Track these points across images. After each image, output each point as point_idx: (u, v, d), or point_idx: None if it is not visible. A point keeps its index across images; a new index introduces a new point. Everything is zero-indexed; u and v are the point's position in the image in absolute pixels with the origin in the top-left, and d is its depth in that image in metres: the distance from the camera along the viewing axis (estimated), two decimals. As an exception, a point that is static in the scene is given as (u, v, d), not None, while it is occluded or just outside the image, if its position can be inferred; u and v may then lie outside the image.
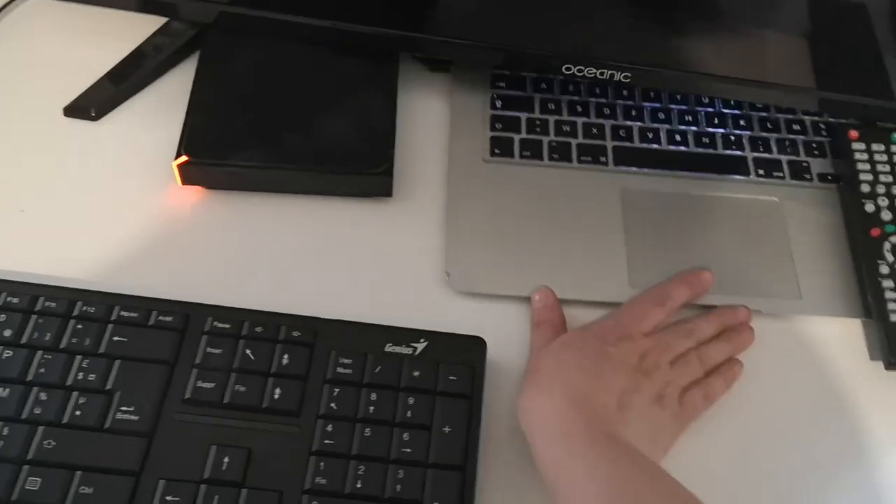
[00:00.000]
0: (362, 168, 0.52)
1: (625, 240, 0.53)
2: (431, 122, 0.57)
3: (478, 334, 0.46)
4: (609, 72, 0.54)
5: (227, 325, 0.45)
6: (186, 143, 0.51)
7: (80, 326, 0.44)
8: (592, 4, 0.54)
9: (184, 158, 0.50)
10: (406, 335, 0.46)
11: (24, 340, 0.43)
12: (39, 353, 0.43)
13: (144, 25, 0.58)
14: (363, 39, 0.54)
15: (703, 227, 0.54)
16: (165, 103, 0.56)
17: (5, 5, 0.60)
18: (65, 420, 0.41)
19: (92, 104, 0.55)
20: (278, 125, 0.52)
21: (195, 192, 0.52)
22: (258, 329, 0.45)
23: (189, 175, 0.51)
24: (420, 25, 0.54)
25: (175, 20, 0.58)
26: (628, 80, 0.54)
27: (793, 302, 0.52)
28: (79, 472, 0.40)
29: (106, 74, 0.56)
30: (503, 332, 0.48)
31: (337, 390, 0.44)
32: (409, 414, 0.43)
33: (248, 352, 0.44)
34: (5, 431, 0.41)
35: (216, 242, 0.51)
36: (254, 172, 0.52)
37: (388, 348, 0.45)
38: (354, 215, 0.53)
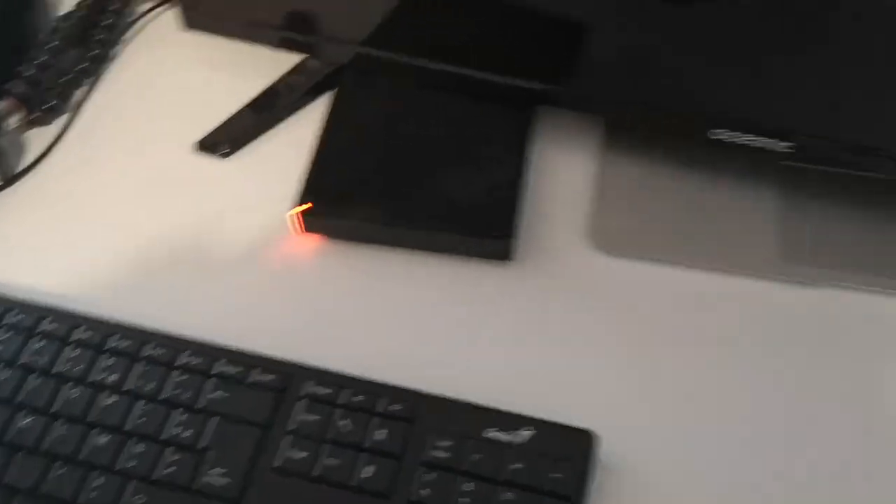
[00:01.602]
0: (480, 230, 0.49)
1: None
2: (575, 177, 0.54)
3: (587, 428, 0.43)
4: (769, 140, 0.48)
5: (327, 391, 0.43)
6: (310, 192, 0.50)
7: (182, 378, 0.44)
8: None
9: (306, 206, 0.49)
10: (510, 420, 0.43)
11: (126, 387, 0.43)
12: (141, 402, 0.43)
13: (279, 62, 0.57)
14: (501, 89, 0.51)
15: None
16: (294, 143, 0.55)
17: (132, 26, 0.61)
18: (156, 476, 0.41)
19: (224, 141, 0.55)
20: (403, 179, 0.51)
21: (312, 240, 0.51)
22: (358, 398, 0.43)
23: (309, 223, 0.50)
24: (569, 77, 0.51)
25: (312, 58, 0.57)
26: (792, 151, 0.48)
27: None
28: (163, 535, 0.39)
29: (240, 110, 0.56)
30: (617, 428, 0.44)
31: (432, 476, 0.41)
32: (506, 512, 0.40)
33: (344, 422, 0.42)
34: (101, 481, 0.40)
35: (326, 296, 0.49)
36: (374, 227, 0.50)
37: (490, 433, 0.42)
38: (472, 277, 0.50)
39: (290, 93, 0.57)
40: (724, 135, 0.48)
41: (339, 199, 0.50)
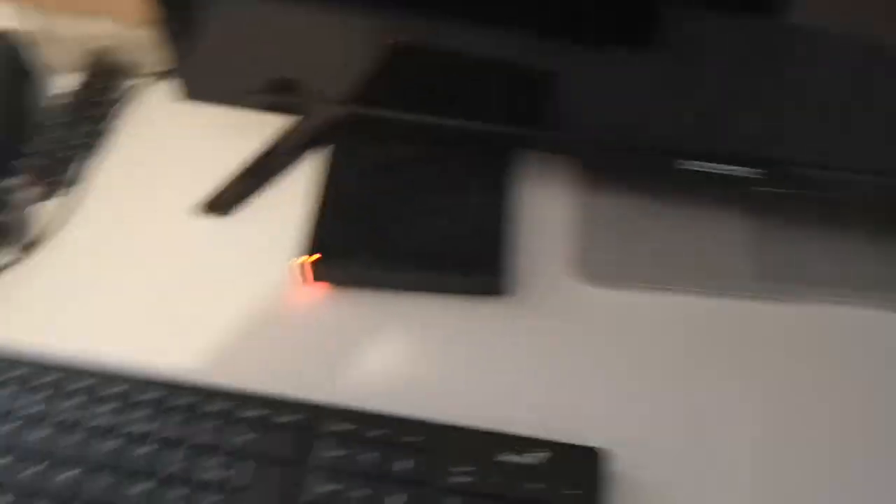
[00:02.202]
0: (471, 269, 0.53)
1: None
2: (557, 212, 0.58)
3: (594, 447, 0.46)
4: (739, 168, 0.51)
5: (347, 428, 0.46)
6: (317, 243, 0.53)
7: (211, 424, 0.46)
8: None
9: (315, 257, 0.53)
10: (523, 443, 0.46)
11: (156, 433, 0.45)
12: (175, 449, 0.45)
13: (270, 123, 0.61)
14: (481, 137, 0.55)
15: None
16: (291, 197, 0.58)
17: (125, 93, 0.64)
18: (193, 519, 0.43)
19: (224, 201, 0.58)
20: (397, 225, 0.54)
21: (319, 288, 0.54)
22: (378, 432, 0.46)
23: (318, 272, 0.53)
24: (541, 122, 0.54)
25: (303, 118, 0.61)
26: (760, 178, 0.52)
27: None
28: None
29: (237, 171, 0.59)
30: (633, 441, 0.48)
31: (457, 500, 0.44)
32: (526, 529, 0.43)
33: (366, 455, 0.45)
34: (142, 527, 0.42)
35: (338, 339, 0.52)
36: (376, 273, 0.53)
37: (505, 457, 0.45)
38: (470, 313, 0.53)
39: (283, 151, 0.61)
40: (693, 165, 0.53)
41: (343, 249, 0.53)
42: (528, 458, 0.45)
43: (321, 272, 0.53)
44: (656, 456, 0.48)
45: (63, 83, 0.65)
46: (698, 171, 0.52)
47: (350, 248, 0.53)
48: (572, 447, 0.46)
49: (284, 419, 0.46)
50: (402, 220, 0.55)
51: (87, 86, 0.65)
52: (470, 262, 0.53)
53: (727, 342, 0.52)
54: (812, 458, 0.47)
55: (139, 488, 0.44)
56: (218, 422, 0.46)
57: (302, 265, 0.53)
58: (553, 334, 0.53)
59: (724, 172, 0.52)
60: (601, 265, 0.55)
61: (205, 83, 0.58)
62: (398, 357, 0.52)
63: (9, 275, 0.55)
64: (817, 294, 0.53)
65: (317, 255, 0.53)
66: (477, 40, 0.51)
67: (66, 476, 0.44)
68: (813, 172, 0.51)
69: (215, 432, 0.46)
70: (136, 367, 0.50)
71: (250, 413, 0.46)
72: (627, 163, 0.55)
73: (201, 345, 0.52)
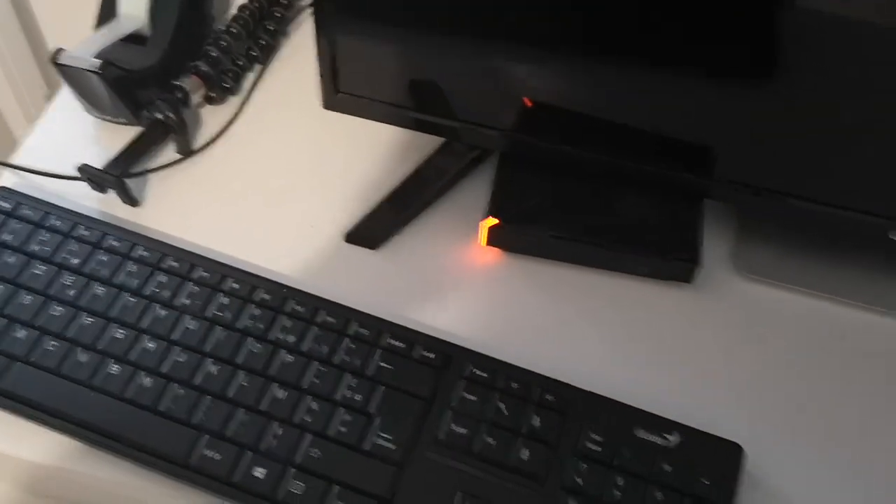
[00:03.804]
0: (666, 252, 0.51)
1: None
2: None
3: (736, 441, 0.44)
4: None
5: (485, 374, 0.46)
6: (498, 207, 0.52)
7: (352, 346, 0.46)
8: None
9: (494, 222, 0.52)
10: (659, 424, 0.45)
11: (302, 348, 0.46)
12: (315, 363, 0.46)
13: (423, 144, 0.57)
14: (646, 176, 0.51)
15: None
16: (449, 226, 0.54)
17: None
18: (329, 433, 0.43)
19: (371, 232, 0.54)
20: (584, 199, 0.53)
21: (493, 252, 0.54)
22: (514, 385, 0.45)
23: (495, 237, 0.53)
24: (710, 168, 0.50)
25: (457, 142, 0.56)
26: None
27: None
28: (336, 487, 0.42)
29: (385, 199, 0.55)
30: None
31: (584, 466, 0.43)
32: (655, 509, 0.42)
33: (501, 405, 0.45)
34: (280, 431, 0.43)
35: (501, 297, 0.52)
36: (556, 243, 0.52)
37: (639, 433, 0.44)
38: (646, 296, 0.52)
39: (438, 176, 0.55)
40: None
41: (525, 215, 0.52)
42: (664, 440, 0.44)
43: (499, 237, 0.53)
44: (793, 462, 0.46)
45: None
46: None
47: (531, 215, 0.52)
48: (711, 437, 0.44)
49: (422, 354, 0.46)
50: (586, 195, 0.53)
51: (267, 1, 0.65)
52: (669, 246, 0.51)
53: (876, 357, 0.49)
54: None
55: (280, 394, 0.44)
56: (358, 345, 0.46)
57: (482, 228, 0.52)
58: (706, 324, 0.51)
59: None
60: (755, 261, 0.53)
61: (351, 95, 0.53)
62: (557, 323, 0.51)
63: (167, 172, 0.57)
64: None
65: (495, 220, 0.52)
66: (642, 80, 0.47)
67: (213, 370, 0.45)
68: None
69: (355, 355, 0.46)
70: (281, 280, 0.50)
71: (389, 342, 0.47)
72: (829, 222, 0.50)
73: (351, 268, 0.53)
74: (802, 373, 0.49)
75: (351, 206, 0.55)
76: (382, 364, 0.46)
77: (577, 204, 0.53)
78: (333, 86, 0.54)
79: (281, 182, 0.57)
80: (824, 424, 0.47)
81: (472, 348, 0.47)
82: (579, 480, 0.43)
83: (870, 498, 0.45)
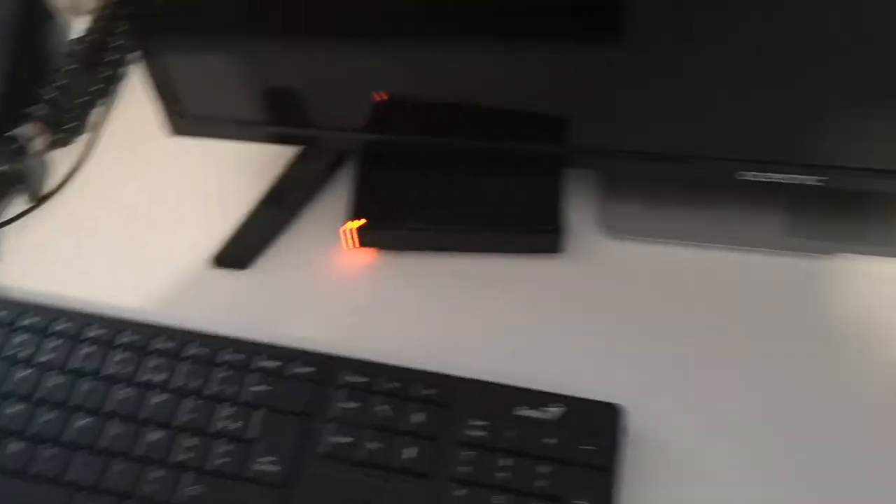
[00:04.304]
0: (530, 226, 0.52)
1: None
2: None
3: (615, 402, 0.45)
4: (798, 177, 0.49)
5: (364, 380, 0.46)
6: (361, 208, 0.52)
7: (225, 374, 0.46)
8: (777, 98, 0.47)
9: (360, 222, 0.51)
10: (539, 398, 0.45)
11: (173, 386, 0.45)
12: (189, 398, 0.45)
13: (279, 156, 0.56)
14: (510, 153, 0.51)
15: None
16: (318, 235, 0.54)
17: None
18: (209, 467, 0.43)
19: (239, 253, 0.53)
20: (445, 186, 0.53)
21: (365, 254, 0.53)
22: (393, 385, 0.45)
23: (364, 237, 0.52)
24: (570, 138, 0.50)
25: (315, 149, 0.56)
26: (823, 185, 0.49)
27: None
28: (222, 520, 0.41)
29: (248, 217, 0.54)
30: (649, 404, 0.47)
31: (469, 454, 0.43)
32: (542, 483, 0.42)
33: (382, 408, 0.45)
34: (159, 474, 0.42)
35: (376, 299, 0.51)
36: (423, 234, 0.52)
37: (522, 411, 0.45)
38: (519, 272, 0.52)
39: (297, 186, 0.55)
40: (750, 176, 0.49)
41: (390, 212, 0.52)
42: (545, 413, 0.45)
43: (367, 237, 0.52)
44: (675, 414, 0.47)
45: (82, 27, 0.63)
46: (753, 180, 0.49)
47: (396, 211, 0.52)
48: (590, 402, 0.45)
49: (298, 370, 0.46)
50: (450, 181, 0.53)
51: (104, 30, 0.63)
52: (530, 219, 0.52)
53: (751, 296, 0.51)
54: (832, 416, 0.46)
55: (153, 437, 0.44)
56: (232, 372, 0.46)
57: (347, 231, 0.52)
58: (580, 291, 0.51)
59: (784, 181, 0.49)
60: (631, 220, 0.54)
61: (198, 117, 0.52)
62: (432, 315, 0.51)
63: (21, 223, 0.55)
64: (841, 248, 0.52)
65: (362, 221, 0.51)
66: (490, 58, 0.47)
67: (83, 423, 0.44)
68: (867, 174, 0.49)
69: (229, 383, 0.45)
70: (150, 317, 0.49)
71: (264, 364, 0.46)
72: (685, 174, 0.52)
73: (219, 297, 0.52)
74: (678, 323, 0.50)
75: (216, 230, 0.54)
76: (257, 388, 0.45)
77: (440, 192, 0.53)
78: (176, 111, 0.52)
79: (140, 217, 0.56)
80: (704, 372, 0.48)
81: (350, 356, 0.47)
82: (465, 469, 0.43)
83: (754, 441, 0.46)
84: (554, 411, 0.45)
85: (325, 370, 0.46)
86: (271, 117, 0.52)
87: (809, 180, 0.49)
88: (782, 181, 0.50)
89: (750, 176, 0.50)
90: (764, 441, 0.46)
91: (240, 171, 0.57)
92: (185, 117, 0.52)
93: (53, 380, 0.46)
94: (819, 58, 0.44)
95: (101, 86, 0.62)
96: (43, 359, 0.46)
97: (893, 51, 0.43)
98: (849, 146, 0.48)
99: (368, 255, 0.53)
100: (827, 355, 0.48)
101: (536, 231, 0.52)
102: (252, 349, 0.47)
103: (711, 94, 0.47)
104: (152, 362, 0.46)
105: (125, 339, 0.47)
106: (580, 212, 0.55)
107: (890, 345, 0.49)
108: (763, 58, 0.45)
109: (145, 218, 0.55)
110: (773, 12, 0.43)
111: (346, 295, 0.52)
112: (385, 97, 0.50)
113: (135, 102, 0.62)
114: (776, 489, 0.44)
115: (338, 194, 0.55)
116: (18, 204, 0.56)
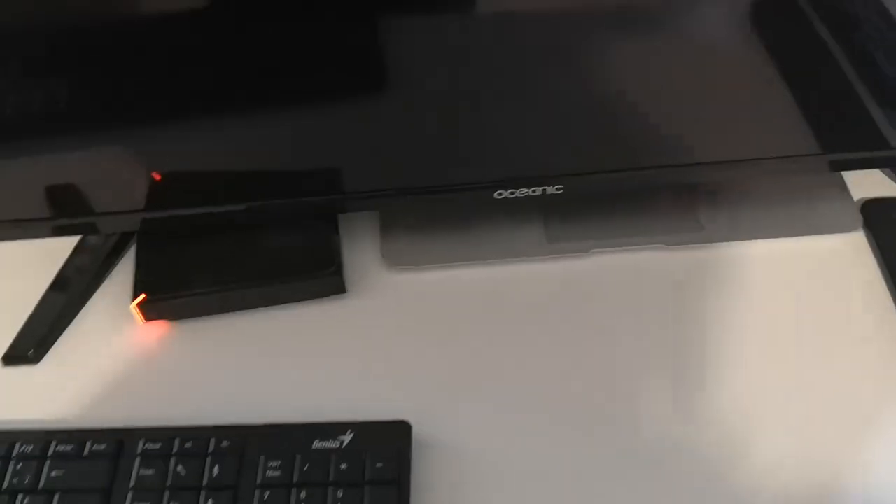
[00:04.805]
0: (311, 272, 0.55)
1: None
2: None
3: (402, 419, 0.48)
4: (541, 188, 0.55)
5: (159, 445, 0.47)
6: (142, 284, 0.54)
7: (18, 467, 0.46)
8: (512, 125, 0.53)
9: (141, 298, 0.53)
10: (332, 429, 0.48)
11: (-36, 488, 0.45)
12: (-20, 498, 0.45)
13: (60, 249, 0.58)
14: (286, 210, 0.55)
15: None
16: (108, 317, 0.55)
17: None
18: (7, 561, 0.43)
19: (28, 347, 0.54)
20: (226, 249, 0.56)
21: (155, 327, 0.55)
22: (188, 444, 0.47)
23: (148, 311, 0.54)
24: (341, 185, 0.54)
25: (93, 235, 0.58)
26: (561, 192, 0.55)
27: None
28: None
29: (35, 312, 0.55)
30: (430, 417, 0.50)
31: (268, 493, 0.45)
32: (337, 507, 0.45)
33: (179, 468, 0.46)
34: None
35: (166, 367, 0.53)
36: (208, 299, 0.54)
37: (316, 445, 0.47)
38: (310, 317, 0.55)
39: (81, 274, 0.57)
40: (507, 194, 0.55)
41: (170, 283, 0.54)
42: (339, 442, 0.47)
43: (151, 309, 0.54)
44: (462, 421, 0.50)
45: None
46: (511, 197, 0.55)
47: (175, 281, 0.54)
48: (379, 424, 0.48)
49: (94, 449, 0.47)
50: (226, 247, 0.56)
51: None
52: (313, 265, 0.55)
53: (519, 302, 0.56)
54: (599, 394, 0.51)
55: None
56: (25, 463, 0.46)
57: (134, 308, 0.54)
58: (367, 323, 0.55)
59: (532, 195, 0.55)
60: (405, 253, 0.58)
61: None
62: (226, 373, 0.53)
63: None
64: (595, 245, 0.58)
65: (142, 295, 0.53)
66: (252, 125, 0.51)
67: None
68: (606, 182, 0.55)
69: (24, 473, 0.46)
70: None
71: (58, 449, 0.47)
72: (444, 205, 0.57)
73: (24, 393, 0.52)
74: (458, 337, 0.54)
75: (3, 332, 0.55)
76: (53, 473, 0.46)
77: (221, 256, 0.56)
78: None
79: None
80: (485, 381, 0.52)
81: (147, 425, 0.48)
82: (263, 509, 0.45)
83: (532, 438, 0.50)
84: (346, 438, 0.47)
85: (121, 444, 0.47)
86: (50, 212, 0.53)
87: (551, 190, 0.55)
88: (531, 194, 0.55)
89: (507, 194, 0.55)
90: (534, 434, 0.50)
91: (22, 269, 0.58)
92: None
93: None
94: (542, 100, 0.51)
95: None
96: None
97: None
98: (577, 157, 0.55)
99: (160, 328, 0.55)
100: (593, 345, 0.54)
101: (318, 274, 0.55)
102: (45, 437, 0.47)
103: (459, 131, 0.52)
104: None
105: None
106: (361, 251, 0.59)
107: (649, 323, 0.54)
108: (497, 101, 0.51)
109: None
110: (496, 71, 0.49)
111: (139, 369, 0.53)
112: (157, 176, 0.52)
113: None
114: (552, 480, 0.48)
115: (127, 276, 0.56)
116: None
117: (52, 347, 0.54)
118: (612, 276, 0.57)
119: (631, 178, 0.56)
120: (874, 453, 0.48)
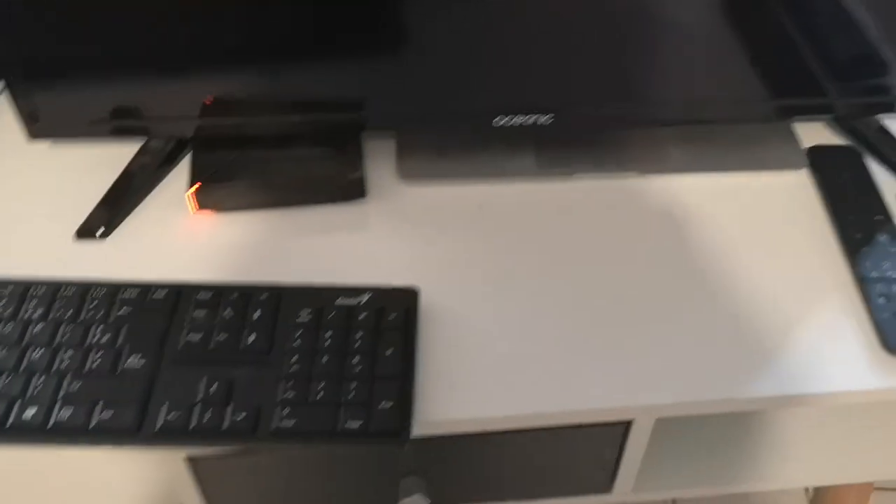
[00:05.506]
0: (341, 173, 0.65)
1: None
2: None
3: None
4: (535, 116, 0.65)
5: (210, 295, 0.57)
6: (197, 176, 0.64)
7: (93, 305, 0.56)
8: (512, 53, 0.63)
9: (196, 186, 0.63)
10: (353, 291, 0.58)
11: (50, 316, 0.55)
12: (63, 324, 0.55)
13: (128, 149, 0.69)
14: (324, 124, 0.66)
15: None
16: (166, 206, 0.65)
17: None
18: (85, 369, 0.53)
19: (98, 225, 0.64)
20: (266, 154, 0.66)
21: (205, 215, 0.65)
22: (234, 295, 0.57)
23: (201, 199, 0.64)
24: (364, 109, 0.64)
25: (151, 139, 0.68)
26: (552, 122, 0.66)
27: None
28: (100, 402, 0.51)
29: (104, 198, 0.65)
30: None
31: (299, 332, 0.55)
32: (357, 345, 0.54)
33: (227, 312, 0.56)
34: (41, 379, 0.52)
35: (219, 246, 0.63)
36: (249, 191, 0.65)
37: (339, 301, 0.57)
38: (334, 216, 0.66)
39: (143, 171, 0.67)
40: (504, 122, 0.66)
41: (221, 175, 0.64)
42: (358, 300, 0.57)
43: (205, 197, 0.64)
44: (460, 294, 0.60)
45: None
46: (507, 125, 0.66)
47: (225, 174, 0.64)
48: (392, 288, 0.58)
49: (156, 295, 0.57)
50: (269, 153, 0.66)
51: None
52: (339, 170, 0.65)
53: (513, 211, 0.66)
54: (577, 290, 0.61)
55: (37, 354, 0.53)
56: (99, 302, 0.56)
57: (190, 196, 0.64)
58: (384, 222, 0.65)
59: (525, 123, 0.66)
60: (413, 169, 0.69)
61: (50, 121, 0.63)
62: (267, 256, 0.63)
63: None
64: (578, 170, 0.68)
65: (197, 184, 0.63)
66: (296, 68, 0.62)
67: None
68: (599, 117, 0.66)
69: (98, 309, 0.55)
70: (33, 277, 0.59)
71: (127, 295, 0.56)
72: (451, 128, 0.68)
73: (94, 261, 0.62)
74: (460, 235, 0.64)
75: (77, 213, 0.65)
76: (122, 312, 0.56)
77: (261, 158, 0.66)
78: (32, 118, 0.63)
79: (8, 213, 0.65)
80: (481, 266, 0.62)
81: (200, 283, 0.58)
82: (297, 343, 0.54)
83: (520, 303, 0.60)
84: (363, 297, 0.57)
85: (179, 293, 0.57)
86: (115, 114, 0.64)
87: (543, 119, 0.66)
88: (524, 123, 0.66)
89: (504, 121, 0.66)
90: (525, 306, 0.60)
91: (98, 167, 0.68)
92: (38, 123, 0.64)
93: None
94: (542, 33, 0.61)
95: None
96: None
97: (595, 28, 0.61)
98: (569, 91, 0.65)
99: (210, 217, 0.65)
100: (573, 244, 0.64)
101: (345, 176, 0.65)
102: (116, 286, 0.57)
103: (466, 65, 0.63)
104: (30, 304, 0.56)
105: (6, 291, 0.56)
106: (380, 168, 0.69)
107: (620, 232, 0.64)
108: (497, 38, 0.62)
109: (13, 213, 0.65)
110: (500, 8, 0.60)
111: (192, 245, 0.63)
112: (210, 99, 0.63)
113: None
114: (539, 338, 0.58)
115: (181, 180, 0.67)
116: None
117: (118, 228, 0.64)
118: (591, 196, 0.67)
119: (613, 111, 0.66)
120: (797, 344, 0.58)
